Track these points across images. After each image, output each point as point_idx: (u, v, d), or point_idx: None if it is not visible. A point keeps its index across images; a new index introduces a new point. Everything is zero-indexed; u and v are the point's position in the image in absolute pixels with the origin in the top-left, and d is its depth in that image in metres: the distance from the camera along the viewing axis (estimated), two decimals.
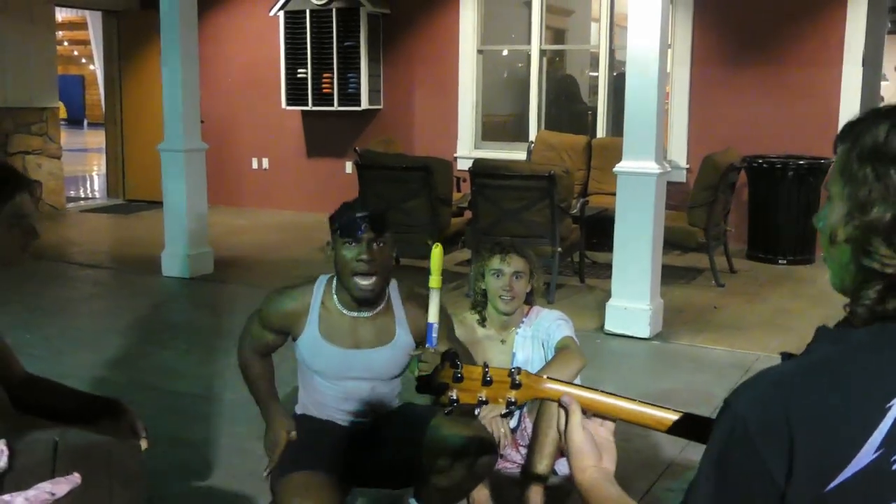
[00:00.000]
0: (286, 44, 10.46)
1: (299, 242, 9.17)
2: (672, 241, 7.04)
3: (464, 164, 9.09)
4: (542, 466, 3.19)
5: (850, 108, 8.27)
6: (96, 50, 13.75)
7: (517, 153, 9.57)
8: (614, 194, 6.13)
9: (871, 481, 1.07)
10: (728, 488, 1.13)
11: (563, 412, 1.50)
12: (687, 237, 7.39)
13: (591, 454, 1.45)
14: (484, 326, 3.57)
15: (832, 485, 1.07)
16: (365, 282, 2.80)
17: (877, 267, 1.13)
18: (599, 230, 7.49)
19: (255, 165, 11.47)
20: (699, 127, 9.05)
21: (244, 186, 11.53)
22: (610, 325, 6.07)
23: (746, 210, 8.53)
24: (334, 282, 2.93)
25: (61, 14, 16.96)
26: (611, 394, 1.53)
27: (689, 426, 1.48)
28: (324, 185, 10.80)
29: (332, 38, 10.20)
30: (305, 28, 10.29)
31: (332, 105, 10.37)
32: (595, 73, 9.96)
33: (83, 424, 2.35)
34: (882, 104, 1.25)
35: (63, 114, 24.65)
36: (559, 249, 6.86)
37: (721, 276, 7.51)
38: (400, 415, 3.03)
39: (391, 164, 7.57)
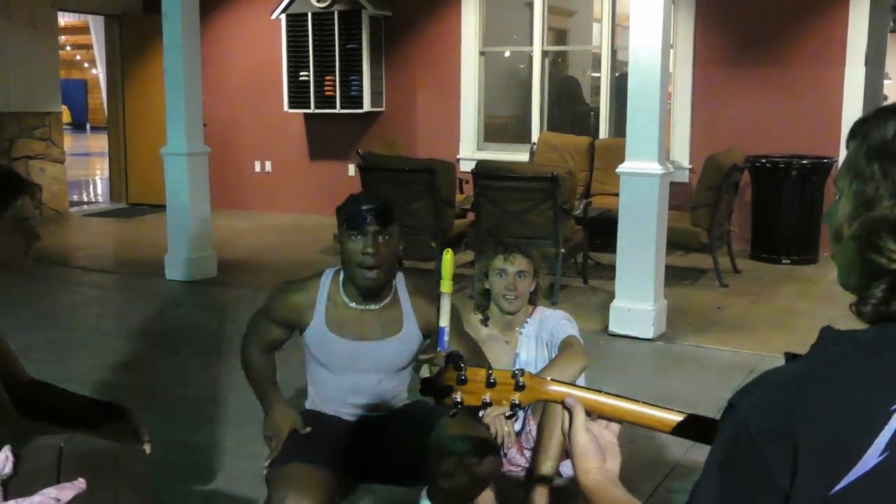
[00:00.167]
0: (288, 47, 10.46)
1: (302, 245, 9.18)
2: (675, 242, 7.04)
3: (466, 166, 9.10)
4: (546, 468, 3.19)
5: (852, 107, 8.26)
6: (99, 54, 13.74)
7: (520, 154, 9.56)
8: (617, 195, 6.13)
9: (877, 484, 1.06)
10: (732, 490, 1.13)
11: (566, 414, 1.50)
12: (690, 237, 7.39)
13: (595, 456, 1.44)
14: (487, 326, 3.57)
15: (837, 488, 1.06)
16: (370, 273, 2.80)
17: (884, 262, 1.13)
18: (602, 231, 7.49)
19: (257, 168, 11.48)
20: (702, 127, 9.05)
21: (247, 189, 11.53)
22: (614, 326, 6.06)
23: (750, 210, 8.53)
24: (341, 274, 2.94)
25: (64, 18, 17.00)
26: (614, 395, 1.53)
27: (692, 427, 1.48)
28: (327, 187, 10.80)
29: (333, 40, 10.21)
30: (307, 31, 10.29)
31: (335, 108, 10.38)
32: (597, 74, 9.95)
33: (87, 429, 2.35)
34: (887, 103, 1.25)
35: (67, 118, 24.73)
36: (562, 250, 6.86)
37: (725, 277, 7.50)
38: (408, 412, 3.03)
39: (394, 166, 7.57)
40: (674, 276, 7.16)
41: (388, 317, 2.94)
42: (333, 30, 10.19)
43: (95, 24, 13.33)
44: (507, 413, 1.58)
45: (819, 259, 8.27)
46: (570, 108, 10.78)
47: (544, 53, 9.88)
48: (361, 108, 10.30)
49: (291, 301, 2.95)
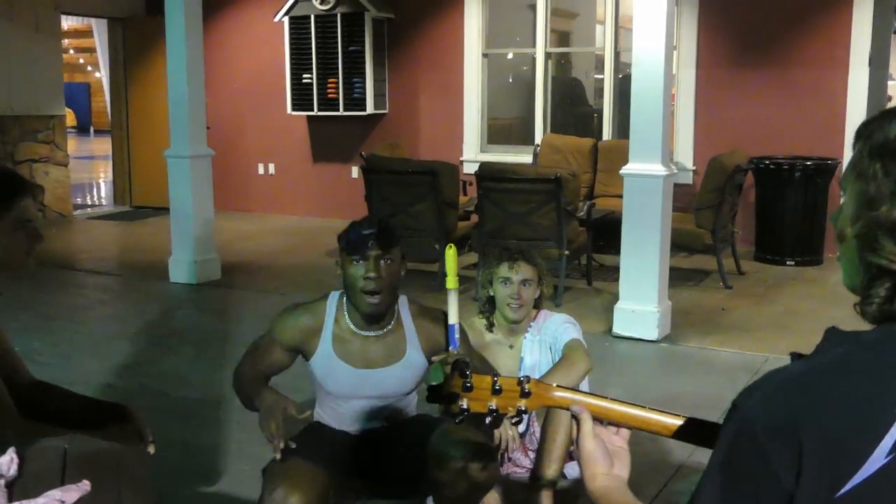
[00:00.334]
0: (291, 49, 10.47)
1: (306, 247, 9.18)
2: (679, 243, 7.04)
3: (470, 168, 9.10)
4: (550, 470, 3.19)
5: (856, 108, 8.25)
6: (102, 57, 13.74)
7: (523, 156, 9.56)
8: (621, 197, 6.12)
9: (883, 487, 1.06)
10: (735, 491, 1.13)
11: (574, 420, 1.50)
12: (694, 239, 7.38)
13: (603, 461, 1.45)
14: (492, 331, 3.56)
15: (843, 490, 1.06)
16: (372, 298, 2.79)
17: (884, 264, 1.13)
18: (606, 233, 7.48)
19: (261, 171, 11.48)
20: (705, 128, 9.04)
21: (250, 192, 11.54)
22: (618, 328, 6.05)
23: (753, 211, 8.52)
24: (345, 299, 2.92)
25: (67, 22, 16.99)
26: (618, 400, 1.53)
27: (695, 431, 1.48)
28: (330, 189, 10.81)
29: (336, 43, 10.21)
30: (310, 33, 10.30)
31: (338, 110, 10.38)
32: (600, 76, 9.96)
33: (91, 430, 2.35)
34: (891, 104, 1.25)
35: (73, 121, 24.76)
36: (566, 252, 6.85)
37: (729, 278, 7.49)
38: (412, 424, 3.02)
39: (397, 168, 7.57)
40: (678, 278, 7.15)
41: (390, 343, 2.92)
42: (336, 32, 10.19)
43: (99, 27, 13.33)
44: (514, 420, 1.59)
45: (823, 260, 8.26)
46: (574, 110, 10.78)
47: (547, 55, 9.88)
48: (364, 110, 10.30)
49: (300, 324, 2.92)
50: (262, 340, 2.99)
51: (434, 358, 2.80)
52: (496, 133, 10.39)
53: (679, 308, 6.43)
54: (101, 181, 16.24)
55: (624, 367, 5.58)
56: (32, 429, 2.29)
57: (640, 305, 5.98)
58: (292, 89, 10.57)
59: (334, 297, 2.96)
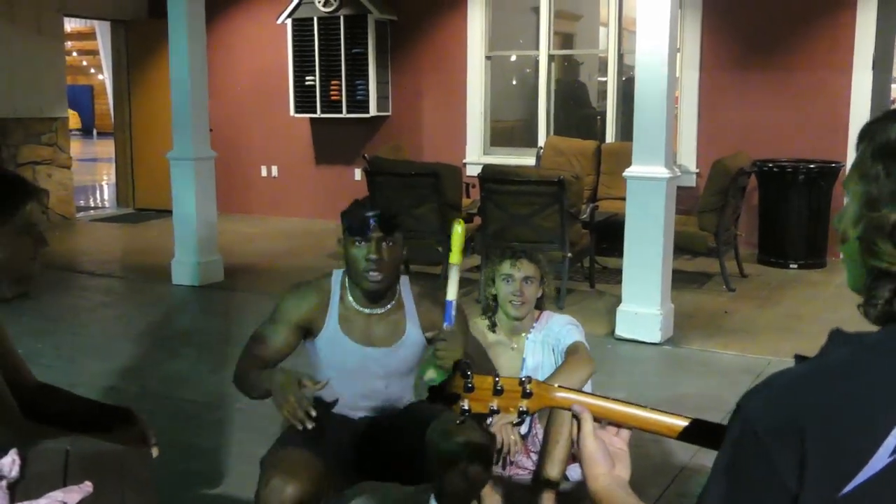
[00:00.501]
0: (294, 51, 10.48)
1: (309, 249, 9.18)
2: (682, 246, 7.03)
3: (473, 170, 9.10)
4: (553, 472, 3.18)
5: (860, 111, 8.24)
6: (105, 60, 13.79)
7: (526, 158, 9.56)
8: (624, 199, 6.12)
9: (886, 486, 1.06)
10: (739, 493, 1.13)
11: (575, 421, 1.50)
12: (697, 242, 7.38)
13: (604, 462, 1.44)
14: (494, 332, 3.56)
15: (846, 490, 1.06)
16: (373, 277, 2.82)
17: (884, 267, 1.13)
18: (609, 235, 7.47)
19: (264, 173, 11.49)
20: (709, 131, 9.03)
21: (253, 194, 11.55)
22: (620, 331, 6.05)
23: (757, 214, 8.51)
24: (347, 277, 2.95)
25: (70, 24, 17.04)
26: (621, 401, 1.53)
27: (699, 432, 1.48)
28: (333, 192, 10.81)
29: (339, 45, 10.22)
30: (313, 35, 10.31)
31: (341, 112, 10.39)
32: (604, 78, 9.95)
33: (94, 433, 2.35)
34: (894, 106, 1.25)
35: (77, 123, 24.79)
36: (569, 255, 6.85)
37: (732, 281, 7.49)
38: (409, 410, 3.05)
39: (400, 170, 7.57)
40: (681, 281, 7.14)
41: (392, 321, 2.95)
42: (339, 34, 10.20)
43: (102, 29, 13.39)
44: (515, 420, 1.59)
45: (826, 263, 8.25)
46: (577, 112, 10.78)
47: (550, 57, 9.88)
48: (367, 112, 10.31)
49: (309, 300, 2.94)
50: (266, 326, 2.97)
51: (428, 335, 2.82)
52: (499, 135, 10.39)
53: (682, 311, 6.42)
54: (104, 183, 16.26)
55: (627, 369, 5.58)
56: (35, 430, 2.29)
57: (643, 308, 5.97)
58: (295, 91, 10.58)
59: (337, 275, 2.99)
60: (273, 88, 10.99)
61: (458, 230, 2.62)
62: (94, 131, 27.28)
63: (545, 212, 6.82)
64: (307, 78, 10.47)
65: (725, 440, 1.15)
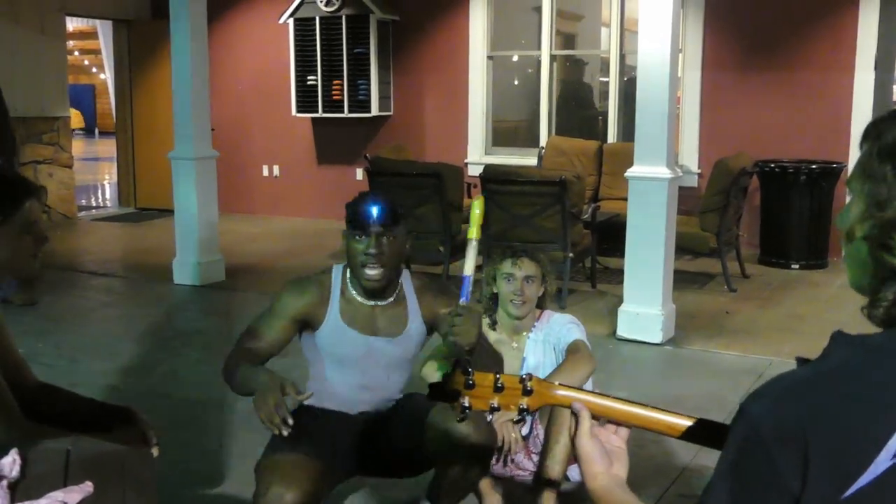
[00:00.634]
0: (296, 51, 10.48)
1: (311, 249, 9.18)
2: (684, 246, 7.03)
3: (474, 170, 9.08)
4: (554, 472, 3.18)
5: (862, 111, 8.24)
6: (107, 59, 13.82)
7: (528, 159, 9.56)
8: (625, 199, 6.12)
9: (889, 489, 1.05)
10: (742, 494, 1.13)
11: (573, 419, 1.49)
12: (699, 242, 7.37)
13: (601, 461, 1.44)
14: (495, 331, 3.56)
15: (849, 492, 1.06)
16: (372, 272, 2.82)
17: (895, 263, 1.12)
18: (611, 235, 7.47)
19: (265, 173, 11.49)
20: (710, 131, 9.03)
21: (255, 194, 11.55)
22: (622, 331, 6.05)
23: (758, 215, 8.51)
24: (349, 270, 2.96)
25: (72, 24, 17.06)
26: (622, 399, 1.52)
27: (701, 432, 1.47)
28: (335, 192, 10.79)
29: (341, 44, 10.21)
30: (315, 35, 10.31)
31: (343, 112, 10.39)
32: (606, 78, 9.95)
33: (95, 433, 2.35)
34: None
35: (80, 122, 24.80)
36: (570, 255, 6.85)
37: (733, 281, 7.48)
38: (404, 404, 3.05)
39: (402, 170, 7.57)
40: (682, 281, 7.14)
41: (395, 313, 2.97)
42: (341, 34, 10.19)
43: (104, 28, 13.40)
44: (516, 418, 1.58)
45: (828, 264, 8.24)
46: (579, 113, 10.78)
47: (552, 57, 9.88)
48: (369, 112, 10.31)
49: (309, 294, 2.94)
50: (261, 320, 2.96)
51: (442, 311, 2.85)
52: (501, 135, 10.38)
53: (683, 311, 6.42)
54: (105, 183, 16.26)
55: (628, 369, 5.58)
56: (36, 430, 2.29)
57: (645, 308, 5.97)
58: (297, 91, 10.58)
59: (338, 269, 3.01)
60: (275, 88, 10.99)
61: (479, 204, 2.63)
62: (96, 130, 27.31)
63: (547, 212, 6.82)
64: (309, 78, 10.47)
65: (728, 442, 1.15)
